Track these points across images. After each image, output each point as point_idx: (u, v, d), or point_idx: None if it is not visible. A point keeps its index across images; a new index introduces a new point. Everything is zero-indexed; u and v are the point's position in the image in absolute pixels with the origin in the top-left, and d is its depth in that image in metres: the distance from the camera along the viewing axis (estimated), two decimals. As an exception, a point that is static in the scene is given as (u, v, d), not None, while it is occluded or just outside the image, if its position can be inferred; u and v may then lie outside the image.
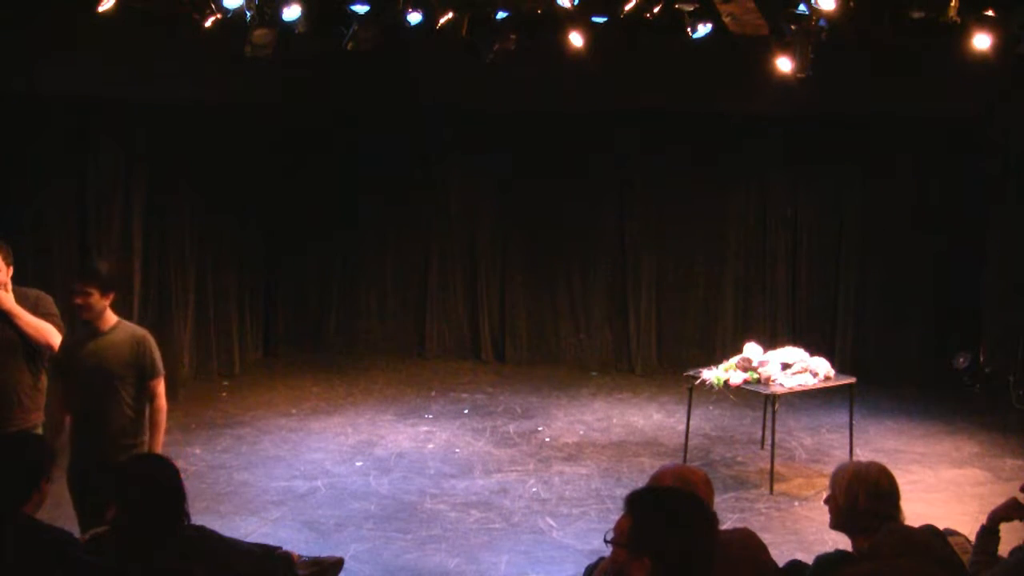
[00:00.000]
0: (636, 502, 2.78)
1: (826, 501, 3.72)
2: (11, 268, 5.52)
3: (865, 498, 3.56)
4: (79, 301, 5.20)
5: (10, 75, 8.02)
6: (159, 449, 5.36)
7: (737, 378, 7.93)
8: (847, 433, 8.39)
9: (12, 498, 3.67)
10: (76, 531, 4.62)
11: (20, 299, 5.52)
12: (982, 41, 7.35)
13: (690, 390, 8.27)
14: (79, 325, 5.38)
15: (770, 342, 8.98)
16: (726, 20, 7.32)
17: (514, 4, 7.94)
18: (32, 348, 5.49)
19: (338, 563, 4.11)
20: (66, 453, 5.36)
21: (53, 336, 5.47)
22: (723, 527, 3.84)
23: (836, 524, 3.69)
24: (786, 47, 7.66)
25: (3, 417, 5.45)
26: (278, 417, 9.50)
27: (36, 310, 5.54)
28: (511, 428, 9.32)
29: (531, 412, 9.84)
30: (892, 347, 10.97)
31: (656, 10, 7.67)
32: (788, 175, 11.23)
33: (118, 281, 5.48)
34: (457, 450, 8.70)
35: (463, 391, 10.53)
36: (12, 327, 5.45)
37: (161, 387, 5.39)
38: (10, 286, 5.51)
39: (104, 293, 5.23)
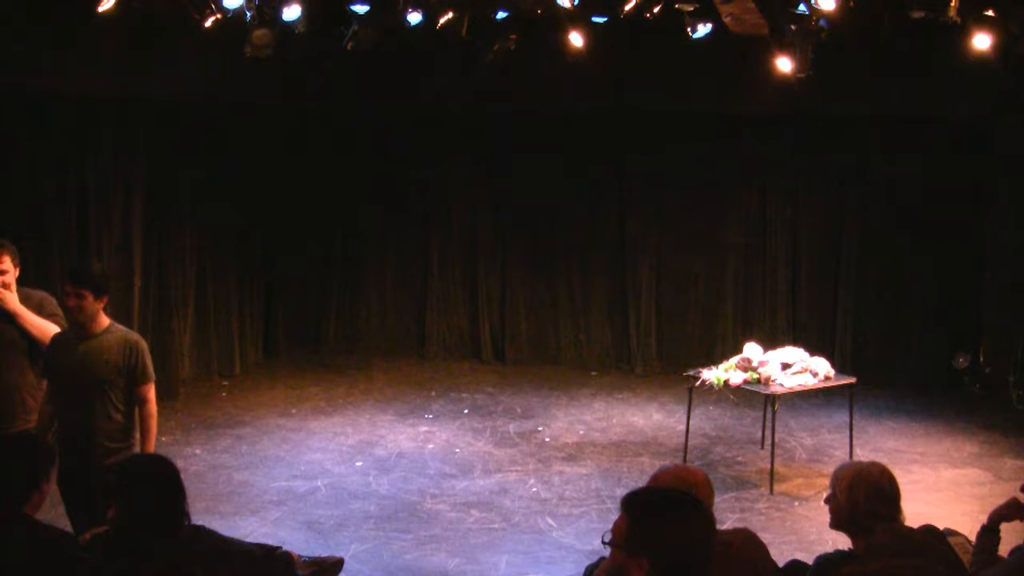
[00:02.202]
0: (633, 503, 2.77)
1: (827, 500, 3.72)
2: (18, 269, 5.54)
3: (866, 498, 3.56)
4: (72, 303, 5.16)
5: (10, 75, 8.02)
6: (150, 451, 5.28)
7: (737, 378, 7.93)
8: (847, 433, 8.39)
9: (11, 499, 3.67)
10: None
11: (24, 300, 5.53)
12: (982, 41, 7.35)
13: (690, 390, 8.27)
14: (70, 326, 5.35)
15: (770, 342, 8.99)
16: (726, 20, 7.33)
17: (514, 4, 7.94)
18: (35, 348, 5.49)
19: (338, 563, 4.10)
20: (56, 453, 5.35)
21: None
22: (723, 527, 3.84)
23: (836, 524, 3.69)
24: (786, 47, 7.66)
25: (7, 416, 5.46)
26: (278, 417, 9.50)
27: (41, 311, 5.54)
28: (511, 428, 9.32)
29: (531, 412, 9.84)
30: (892, 347, 10.98)
31: (656, 10, 7.68)
32: (788, 175, 11.24)
33: (111, 284, 5.46)
34: (457, 450, 8.70)
35: (463, 391, 10.53)
36: (16, 327, 5.46)
37: (151, 393, 5.32)
38: (15, 287, 5.52)
39: (98, 296, 5.18)
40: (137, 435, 5.34)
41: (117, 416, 5.24)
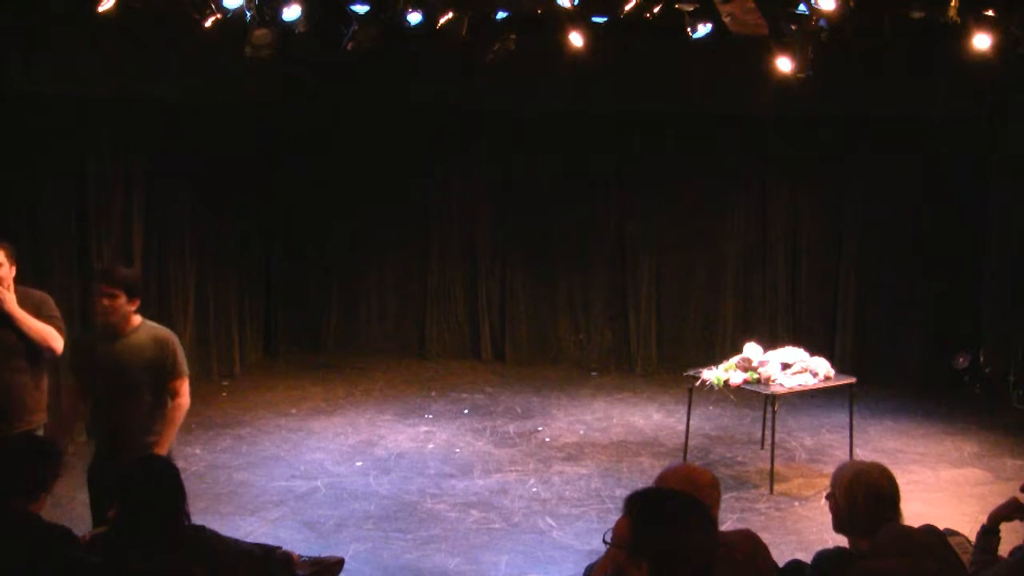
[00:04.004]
0: (635, 504, 2.76)
1: (828, 498, 3.72)
2: (15, 267, 5.52)
3: (864, 500, 3.55)
4: (105, 303, 5.17)
5: (10, 74, 8.01)
6: (170, 442, 5.36)
7: (737, 378, 7.93)
8: (847, 433, 8.38)
9: (25, 495, 3.72)
10: (78, 531, 4.62)
11: (23, 299, 5.50)
12: (982, 41, 7.35)
13: (690, 390, 8.26)
14: (101, 325, 5.35)
15: (770, 342, 8.98)
16: (726, 20, 7.33)
17: (514, 4, 7.94)
18: (34, 349, 5.48)
19: (338, 563, 4.11)
20: (79, 453, 5.42)
21: (55, 339, 5.46)
22: (723, 527, 3.84)
23: (837, 527, 3.69)
24: (786, 47, 7.66)
25: (8, 418, 5.46)
26: (278, 417, 9.50)
27: (39, 312, 5.52)
28: (511, 428, 9.32)
29: (531, 412, 9.83)
30: (892, 347, 10.97)
31: (656, 10, 7.67)
32: (788, 175, 11.23)
33: (143, 287, 5.49)
34: (457, 450, 8.70)
35: (463, 391, 10.52)
36: (14, 329, 5.44)
37: (185, 387, 5.37)
38: (13, 286, 5.50)
39: (131, 298, 5.21)
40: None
41: (151, 412, 5.30)
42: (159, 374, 5.26)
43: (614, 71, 9.84)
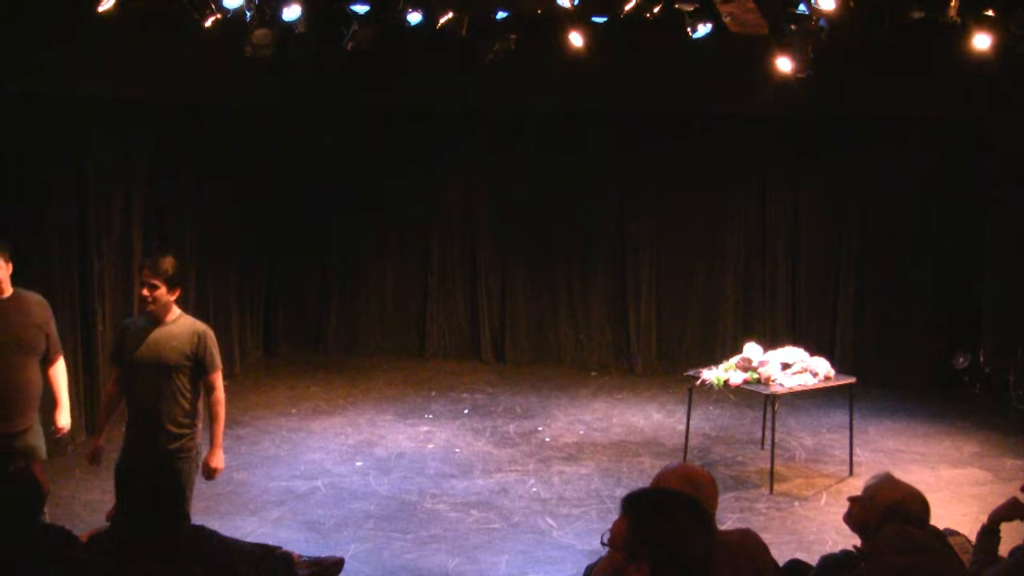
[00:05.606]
0: (633, 505, 2.76)
1: (851, 499, 3.70)
2: (11, 265, 5.61)
3: (880, 522, 3.53)
4: (146, 292, 5.34)
5: (9, 74, 8.01)
6: (220, 439, 5.60)
7: (737, 378, 7.93)
8: (847, 433, 8.38)
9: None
10: (77, 531, 4.62)
11: (24, 304, 5.64)
12: (982, 41, 7.35)
13: (690, 390, 8.27)
14: (141, 314, 5.56)
15: (770, 342, 8.98)
16: (726, 20, 7.33)
17: (514, 4, 7.94)
18: (44, 352, 5.68)
19: (338, 563, 4.11)
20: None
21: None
22: (723, 527, 3.84)
23: (852, 526, 3.68)
24: (786, 47, 7.66)
25: (23, 414, 5.61)
26: (278, 417, 9.50)
27: (44, 314, 5.67)
28: (511, 428, 9.32)
29: (531, 412, 9.84)
30: (892, 347, 10.98)
31: (656, 10, 7.67)
32: (788, 175, 11.24)
33: (186, 277, 5.64)
34: (457, 450, 8.70)
35: (463, 391, 10.53)
36: (40, 330, 5.65)
37: (219, 380, 5.57)
38: (9, 284, 5.56)
39: (171, 288, 5.39)
40: (200, 423, 5.58)
41: (183, 402, 5.44)
42: (195, 365, 5.43)
43: (614, 71, 9.84)
